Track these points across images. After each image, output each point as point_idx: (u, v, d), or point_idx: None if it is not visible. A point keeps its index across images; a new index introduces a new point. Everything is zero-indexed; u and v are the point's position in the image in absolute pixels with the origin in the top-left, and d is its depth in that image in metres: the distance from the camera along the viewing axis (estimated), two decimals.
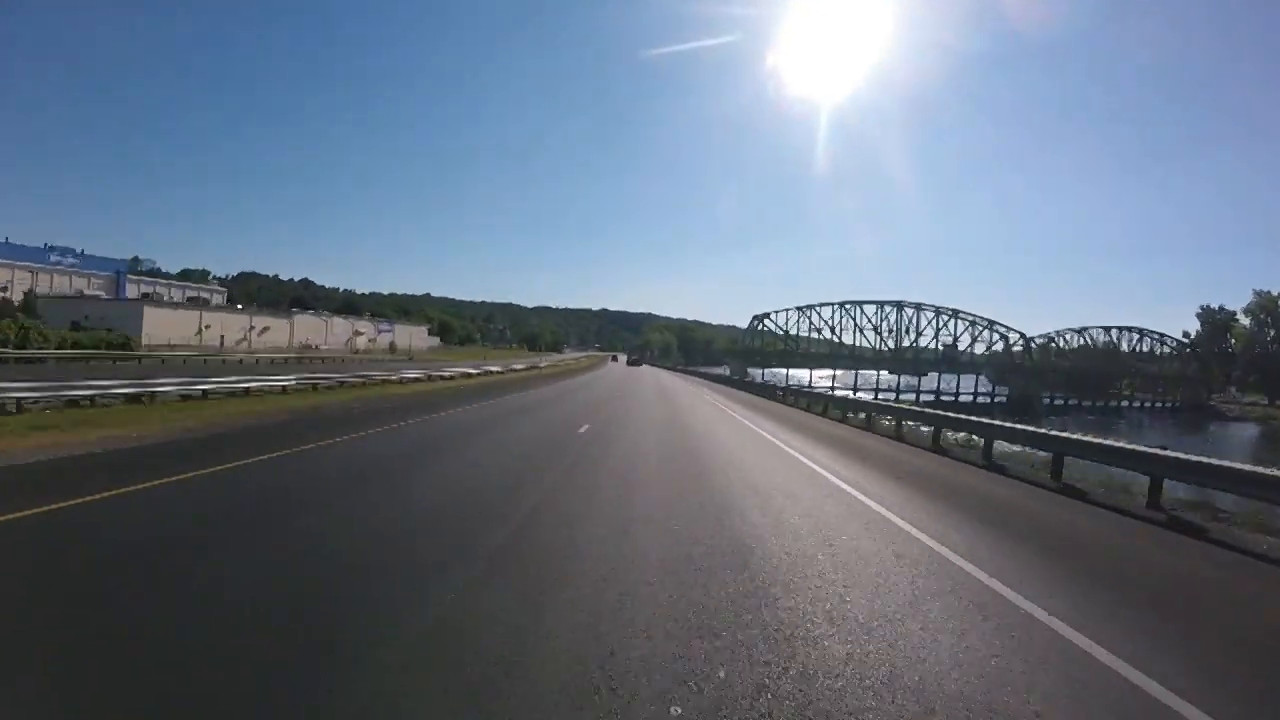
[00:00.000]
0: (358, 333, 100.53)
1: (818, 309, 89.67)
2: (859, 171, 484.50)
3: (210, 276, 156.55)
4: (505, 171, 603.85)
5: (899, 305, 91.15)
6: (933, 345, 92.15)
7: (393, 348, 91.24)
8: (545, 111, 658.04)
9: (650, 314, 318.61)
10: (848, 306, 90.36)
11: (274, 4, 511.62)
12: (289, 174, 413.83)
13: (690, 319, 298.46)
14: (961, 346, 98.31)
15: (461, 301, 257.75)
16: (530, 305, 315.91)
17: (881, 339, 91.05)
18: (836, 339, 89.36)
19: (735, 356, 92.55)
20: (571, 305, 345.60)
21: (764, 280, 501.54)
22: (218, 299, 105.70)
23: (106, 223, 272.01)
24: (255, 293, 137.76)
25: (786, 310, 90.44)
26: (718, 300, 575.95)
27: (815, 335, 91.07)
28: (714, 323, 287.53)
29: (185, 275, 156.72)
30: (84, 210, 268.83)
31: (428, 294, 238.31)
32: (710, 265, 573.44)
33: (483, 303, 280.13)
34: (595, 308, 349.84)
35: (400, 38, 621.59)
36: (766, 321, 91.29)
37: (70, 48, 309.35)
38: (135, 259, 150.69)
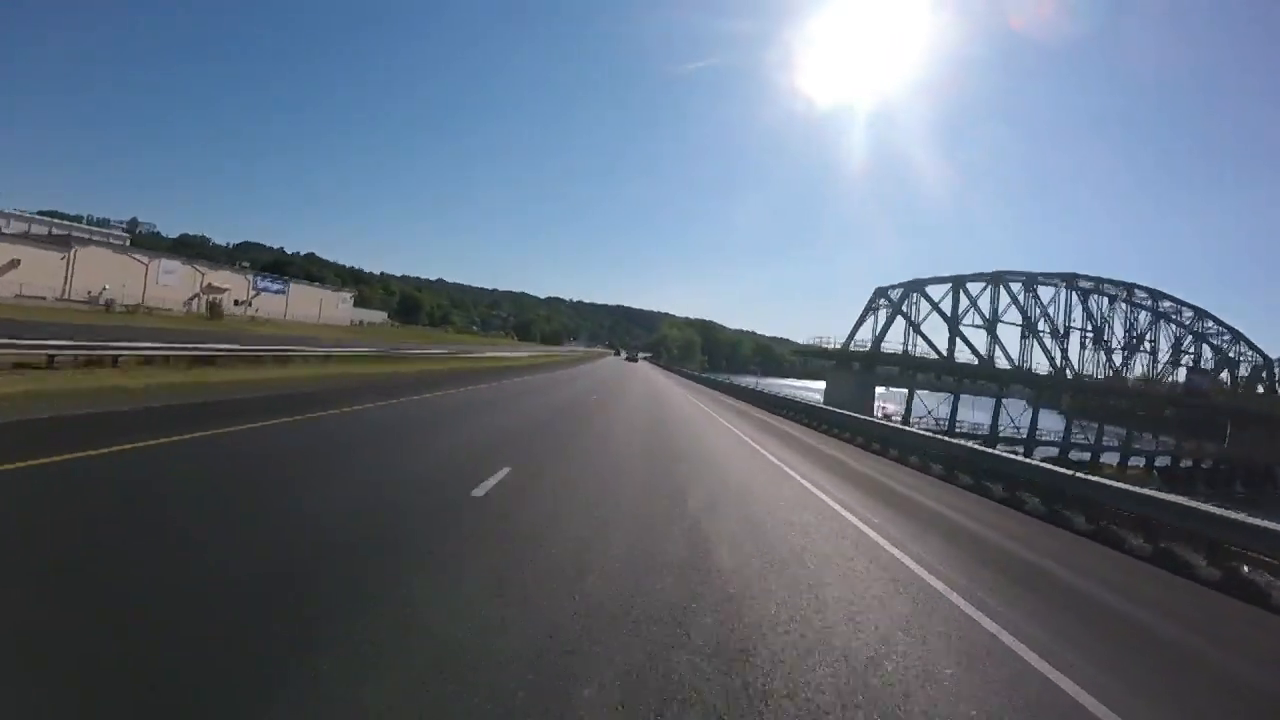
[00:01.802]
0: (213, 288, 62.30)
1: (1004, 280, 49.07)
2: (889, 181, 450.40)
3: (129, 222, 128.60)
4: (526, 166, 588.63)
5: (1128, 291, 51.95)
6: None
7: (212, 309, 51.63)
8: (569, 110, 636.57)
9: (667, 314, 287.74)
10: (1048, 283, 50.72)
11: None
12: (311, 154, 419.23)
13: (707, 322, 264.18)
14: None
15: (472, 288, 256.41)
16: (542, 296, 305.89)
17: (1099, 343, 51.91)
18: (1028, 343, 49.25)
19: (839, 366, 52.23)
20: (586, 299, 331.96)
21: (786, 289, 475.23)
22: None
23: (114, 188, 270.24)
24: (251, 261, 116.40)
25: (946, 282, 49.61)
26: (736, 306, 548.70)
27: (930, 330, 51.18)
28: (731, 327, 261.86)
29: (183, 240, 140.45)
30: (93, 176, 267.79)
31: (441, 279, 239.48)
32: (730, 271, 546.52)
33: (493, 290, 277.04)
34: (611, 303, 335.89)
35: (441, 30, 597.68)
36: (916, 296, 49.42)
37: (90, 24, 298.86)
38: (134, 220, 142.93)
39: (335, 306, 79.39)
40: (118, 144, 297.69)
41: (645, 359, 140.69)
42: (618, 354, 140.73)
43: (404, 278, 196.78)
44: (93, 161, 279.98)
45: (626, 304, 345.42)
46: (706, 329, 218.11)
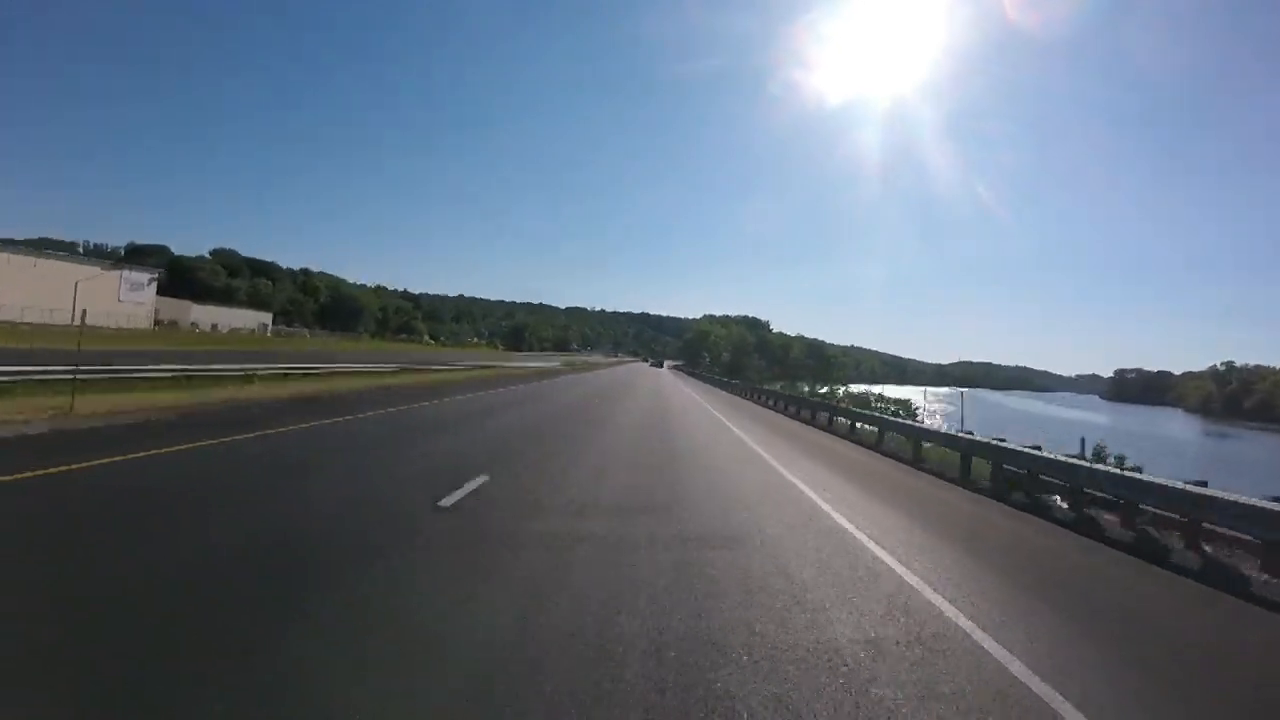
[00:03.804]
0: None
1: None
2: (907, 179, 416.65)
3: (127, 246, 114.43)
4: (541, 178, 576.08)
5: None
6: None
7: None
8: (581, 118, 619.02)
9: (695, 319, 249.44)
10: None
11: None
12: (325, 175, 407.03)
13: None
14: None
15: (489, 301, 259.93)
16: (562, 306, 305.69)
17: None
18: None
19: None
20: (609, 308, 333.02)
21: (813, 292, 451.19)
22: None
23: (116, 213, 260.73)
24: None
25: None
26: (767, 310, 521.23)
27: None
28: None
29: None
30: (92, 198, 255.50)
31: (461, 295, 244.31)
32: (757, 274, 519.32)
33: (511, 302, 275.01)
34: (635, 311, 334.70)
35: (452, 43, 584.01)
36: None
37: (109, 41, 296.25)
38: (131, 243, 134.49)
39: (115, 295, 42.48)
40: (121, 168, 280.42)
41: (674, 369, 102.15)
42: (646, 361, 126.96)
43: (423, 294, 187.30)
44: (93, 187, 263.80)
45: (652, 311, 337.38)
46: (754, 327, 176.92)
